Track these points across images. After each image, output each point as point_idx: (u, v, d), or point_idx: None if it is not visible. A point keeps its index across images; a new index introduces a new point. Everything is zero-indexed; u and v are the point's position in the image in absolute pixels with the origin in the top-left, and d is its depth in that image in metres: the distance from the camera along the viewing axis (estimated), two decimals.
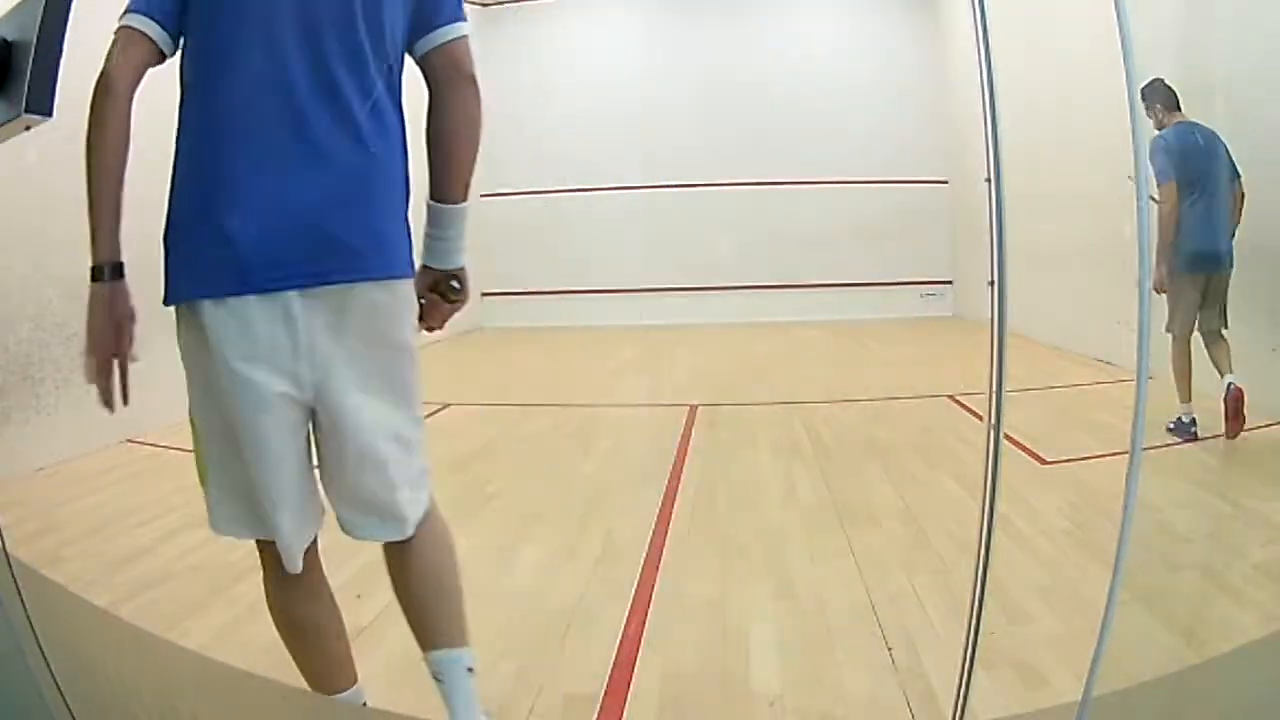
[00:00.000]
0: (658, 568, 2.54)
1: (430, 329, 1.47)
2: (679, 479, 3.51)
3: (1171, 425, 3.70)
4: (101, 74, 1.23)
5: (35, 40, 1.04)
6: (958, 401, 4.84)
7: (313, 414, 1.30)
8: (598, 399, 5.59)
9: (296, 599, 1.44)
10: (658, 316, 9.78)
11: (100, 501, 3.34)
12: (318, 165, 1.26)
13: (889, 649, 1.98)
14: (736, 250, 9.87)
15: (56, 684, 1.37)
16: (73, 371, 4.12)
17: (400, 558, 1.40)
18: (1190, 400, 3.68)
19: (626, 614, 2.22)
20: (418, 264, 1.42)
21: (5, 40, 1.07)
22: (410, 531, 1.36)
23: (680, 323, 9.54)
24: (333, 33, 1.25)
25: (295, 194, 1.24)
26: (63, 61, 1.07)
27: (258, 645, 2.10)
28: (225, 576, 2.55)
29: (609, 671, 1.92)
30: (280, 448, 1.27)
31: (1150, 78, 3.67)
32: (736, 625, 2.15)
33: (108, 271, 1.28)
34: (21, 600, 1.40)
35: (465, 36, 1.43)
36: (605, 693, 1.84)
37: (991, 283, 1.21)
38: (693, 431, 4.42)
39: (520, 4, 10.34)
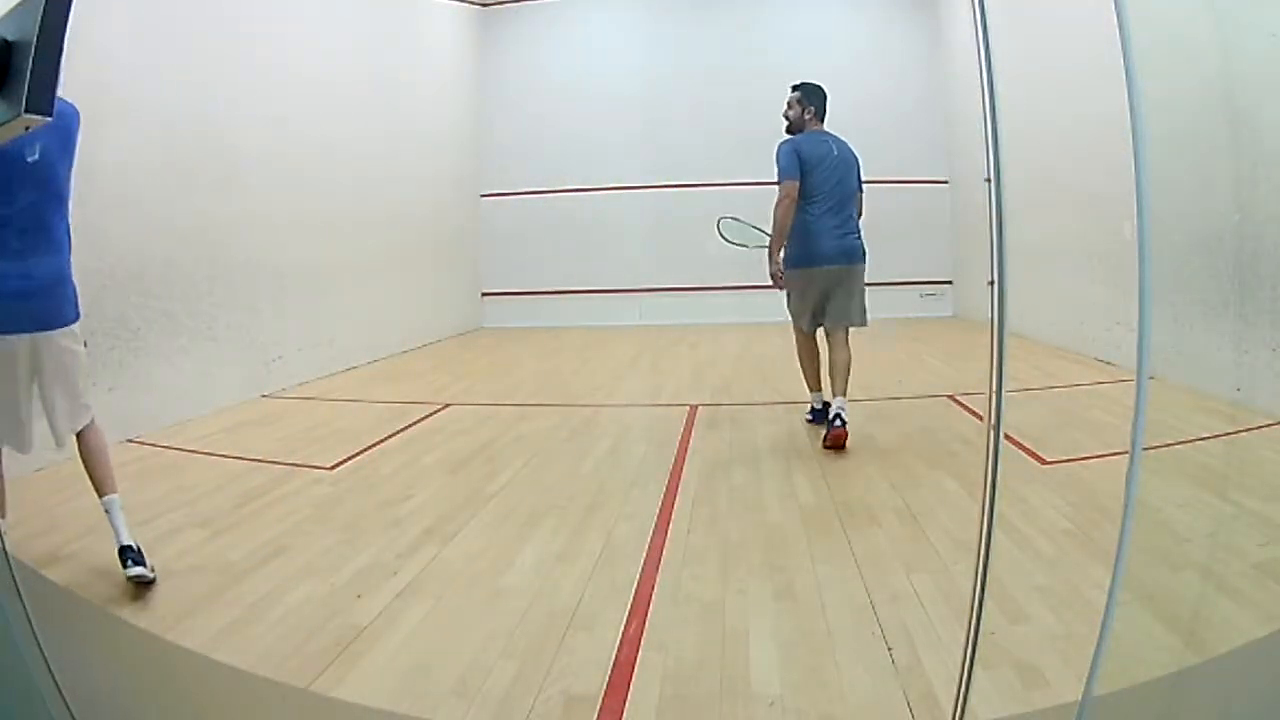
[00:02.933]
0: (658, 568, 2.54)
1: None
2: (679, 479, 3.51)
3: (809, 416, 4.34)
4: None
5: (35, 40, 1.04)
6: (958, 401, 4.84)
7: None
8: (598, 399, 5.59)
9: None
10: (658, 316, 9.78)
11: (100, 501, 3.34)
12: None
13: (889, 649, 1.98)
14: (736, 250, 9.85)
15: (56, 684, 1.37)
16: None
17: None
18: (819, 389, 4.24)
19: (626, 614, 2.22)
20: None
21: (5, 40, 1.07)
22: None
23: (680, 323, 9.54)
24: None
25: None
26: (63, 61, 1.06)
27: (258, 645, 2.10)
28: (225, 576, 2.55)
29: (609, 671, 1.92)
30: None
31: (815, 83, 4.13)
32: (736, 625, 2.15)
33: None
34: (21, 600, 1.40)
35: None
36: (605, 693, 1.84)
37: (991, 283, 1.21)
38: (693, 431, 4.42)
39: (520, 4, 10.34)
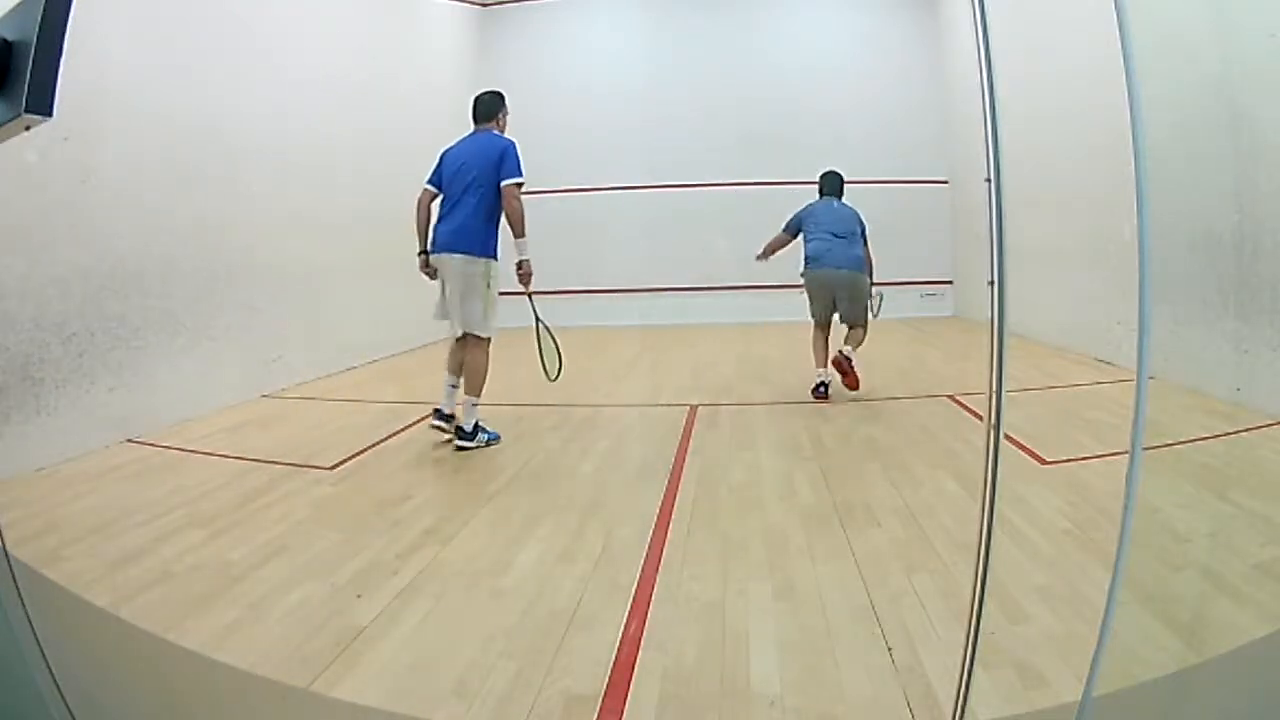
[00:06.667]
0: (658, 568, 2.54)
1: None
2: (679, 479, 3.51)
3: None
4: None
5: (35, 40, 1.04)
6: (958, 401, 4.84)
7: None
8: (598, 399, 5.59)
9: None
10: (658, 316, 9.78)
11: (100, 501, 3.35)
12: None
13: (889, 649, 1.98)
14: (736, 250, 9.86)
15: (56, 684, 1.37)
16: (73, 371, 4.12)
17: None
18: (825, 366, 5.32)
19: (626, 614, 2.22)
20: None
21: (5, 40, 1.07)
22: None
23: (680, 323, 9.54)
24: None
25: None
26: (62, 61, 1.06)
27: (258, 645, 2.10)
28: (225, 576, 2.55)
29: (609, 671, 1.92)
30: None
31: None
32: (736, 625, 2.15)
33: None
34: (21, 600, 1.40)
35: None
36: (605, 693, 1.84)
37: (991, 283, 1.21)
38: (693, 431, 4.42)
39: (520, 4, 10.34)
